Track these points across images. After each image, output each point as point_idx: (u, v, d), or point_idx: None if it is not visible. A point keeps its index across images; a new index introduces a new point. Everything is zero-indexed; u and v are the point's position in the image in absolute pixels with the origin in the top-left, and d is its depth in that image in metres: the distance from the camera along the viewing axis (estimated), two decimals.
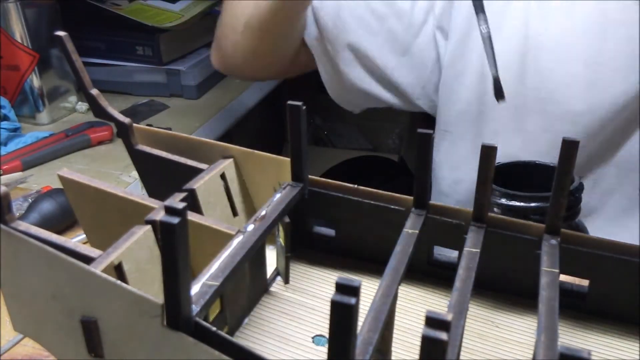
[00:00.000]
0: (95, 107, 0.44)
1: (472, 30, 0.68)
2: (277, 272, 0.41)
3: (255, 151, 0.43)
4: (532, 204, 0.43)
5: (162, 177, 0.45)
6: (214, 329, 0.27)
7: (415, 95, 0.76)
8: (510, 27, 0.67)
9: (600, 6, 0.64)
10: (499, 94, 0.53)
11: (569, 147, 0.34)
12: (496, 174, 0.38)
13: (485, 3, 0.67)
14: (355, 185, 0.41)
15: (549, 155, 0.55)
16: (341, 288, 0.22)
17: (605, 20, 0.63)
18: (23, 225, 0.32)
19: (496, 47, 0.66)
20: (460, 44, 0.70)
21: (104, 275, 0.28)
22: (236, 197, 0.44)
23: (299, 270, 0.42)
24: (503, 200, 0.44)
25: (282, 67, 0.83)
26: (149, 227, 0.34)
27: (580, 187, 0.44)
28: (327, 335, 0.35)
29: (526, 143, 0.67)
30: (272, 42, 0.76)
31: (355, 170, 1.50)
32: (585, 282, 0.38)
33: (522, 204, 0.43)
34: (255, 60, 0.79)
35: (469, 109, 0.70)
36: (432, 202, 0.39)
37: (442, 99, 0.73)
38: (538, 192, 0.43)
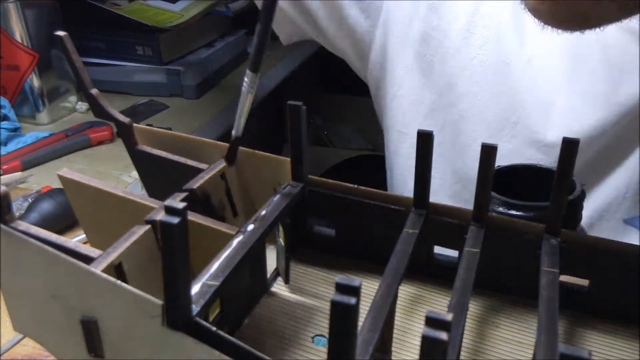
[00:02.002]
0: (95, 107, 0.44)
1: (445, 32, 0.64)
2: (277, 272, 0.41)
3: (255, 151, 0.43)
4: (532, 214, 0.42)
5: (162, 177, 0.45)
6: (214, 329, 0.27)
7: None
8: (482, 41, 0.62)
9: None
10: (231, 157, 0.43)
11: (568, 147, 0.34)
12: (495, 178, 0.37)
13: (454, 14, 0.63)
14: (355, 185, 0.41)
15: None
16: (341, 288, 0.22)
17: (581, 41, 0.57)
18: (23, 225, 0.32)
19: (466, 56, 0.62)
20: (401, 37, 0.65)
21: (104, 275, 0.28)
22: (236, 197, 0.44)
23: (299, 270, 0.42)
24: (502, 209, 0.43)
25: None
26: (149, 227, 0.34)
27: (582, 196, 0.43)
28: (327, 335, 0.35)
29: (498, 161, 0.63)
30: None
31: (355, 169, 1.51)
32: (585, 282, 0.38)
33: (521, 213, 0.43)
34: None
35: (434, 114, 0.66)
36: (432, 202, 0.39)
37: (397, 96, 0.69)
38: (538, 196, 0.43)
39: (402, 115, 0.68)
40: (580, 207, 0.42)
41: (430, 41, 0.65)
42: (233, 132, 0.41)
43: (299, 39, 0.81)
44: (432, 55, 0.65)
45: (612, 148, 0.58)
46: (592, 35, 0.54)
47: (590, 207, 0.62)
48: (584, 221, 0.62)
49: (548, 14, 0.37)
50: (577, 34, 0.55)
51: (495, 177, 0.42)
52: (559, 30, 0.39)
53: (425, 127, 0.63)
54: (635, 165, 0.58)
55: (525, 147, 0.60)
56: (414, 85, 0.67)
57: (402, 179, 0.72)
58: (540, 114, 0.59)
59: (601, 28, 0.38)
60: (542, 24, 0.39)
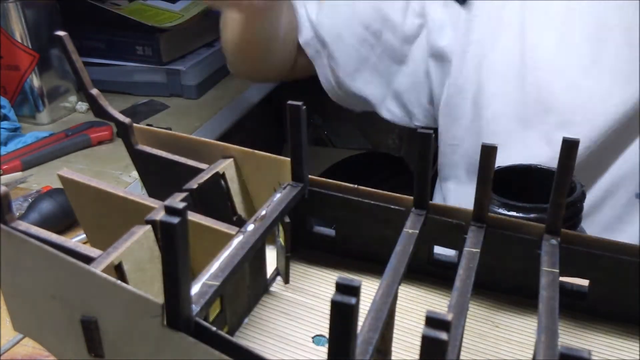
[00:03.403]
0: (95, 107, 0.44)
1: (469, 45, 0.68)
2: (277, 272, 0.41)
3: (255, 151, 0.43)
4: (532, 215, 0.42)
5: (162, 177, 0.45)
6: (214, 329, 0.27)
7: (412, 102, 0.77)
8: (506, 39, 0.66)
9: (597, 11, 0.62)
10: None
11: (569, 147, 0.34)
12: (496, 178, 0.37)
13: (479, 15, 0.67)
14: (355, 185, 0.41)
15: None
16: (341, 288, 0.22)
17: (603, 25, 0.61)
18: (23, 225, 0.32)
19: (494, 60, 0.66)
20: (460, 61, 0.70)
21: (104, 275, 0.28)
22: (236, 197, 0.44)
23: (299, 270, 0.42)
24: (502, 210, 0.43)
25: (282, 72, 0.84)
26: (149, 227, 0.34)
27: (582, 197, 0.43)
28: (327, 335, 0.35)
29: (527, 156, 0.65)
30: (257, 55, 0.79)
31: (355, 167, 1.50)
32: (585, 282, 0.38)
33: (521, 214, 0.43)
34: (251, 69, 0.84)
35: (471, 124, 0.70)
36: (432, 202, 0.39)
37: (444, 113, 0.73)
38: (537, 196, 0.43)
39: (451, 128, 0.73)
40: (580, 208, 0.42)
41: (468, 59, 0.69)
42: None
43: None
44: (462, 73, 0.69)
45: (630, 123, 0.62)
46: (614, 20, 0.60)
47: (603, 182, 0.66)
48: (595, 197, 0.64)
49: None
50: (598, 17, 0.61)
51: (496, 178, 0.42)
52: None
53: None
54: None
55: (556, 130, 0.63)
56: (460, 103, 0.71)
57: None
58: (568, 98, 0.62)
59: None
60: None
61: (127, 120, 0.44)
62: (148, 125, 0.94)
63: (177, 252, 0.25)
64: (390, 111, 0.79)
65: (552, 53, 0.64)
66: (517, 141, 0.67)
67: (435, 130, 0.77)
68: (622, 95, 0.61)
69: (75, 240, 0.53)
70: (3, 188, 0.30)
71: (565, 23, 0.64)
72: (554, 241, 0.36)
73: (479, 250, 0.35)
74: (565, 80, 0.63)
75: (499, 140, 0.67)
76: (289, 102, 0.38)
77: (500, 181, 0.43)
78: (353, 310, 0.22)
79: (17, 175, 0.83)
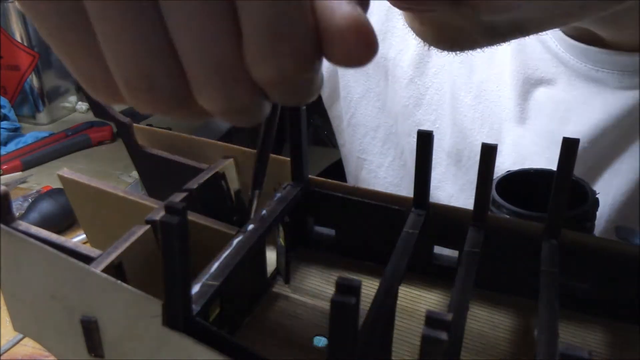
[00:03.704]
0: (95, 107, 0.44)
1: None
2: (277, 272, 0.41)
3: (256, 151, 0.43)
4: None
5: (162, 177, 0.45)
6: (214, 329, 0.27)
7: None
8: (436, 69, 0.60)
9: (521, 60, 0.55)
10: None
11: (569, 147, 0.34)
12: (505, 183, 0.37)
13: (405, 42, 0.59)
14: (356, 185, 0.41)
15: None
16: (341, 288, 0.22)
17: (526, 76, 0.55)
18: (23, 225, 0.32)
19: (427, 87, 0.59)
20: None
21: (104, 275, 0.28)
22: (236, 197, 0.44)
23: (299, 270, 0.42)
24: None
25: None
26: (149, 227, 0.34)
27: (596, 203, 0.42)
28: (327, 335, 0.35)
29: (458, 195, 0.60)
30: None
31: None
32: (585, 282, 0.38)
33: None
34: None
35: (392, 138, 0.64)
36: (432, 201, 0.39)
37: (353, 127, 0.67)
38: (543, 201, 0.42)
39: (359, 142, 0.67)
40: (593, 216, 0.41)
41: (381, 69, 0.63)
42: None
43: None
44: (384, 83, 0.63)
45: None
46: (537, 73, 0.54)
47: None
48: None
49: (430, 38, 0.38)
50: (525, 69, 0.54)
51: (505, 183, 0.41)
52: (443, 51, 0.40)
53: (384, 153, 0.60)
54: None
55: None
56: (368, 112, 0.65)
57: None
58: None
59: (480, 49, 0.39)
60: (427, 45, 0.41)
61: (127, 120, 0.44)
62: (148, 125, 0.94)
63: (177, 252, 0.25)
64: None
65: (475, 97, 0.58)
66: (453, 178, 0.61)
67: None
68: (547, 155, 0.55)
69: (75, 240, 0.53)
70: (3, 188, 0.30)
71: (489, 65, 0.58)
72: (554, 241, 0.36)
73: (479, 250, 0.35)
74: (488, 129, 0.57)
75: (436, 174, 0.60)
76: None
77: (509, 187, 0.42)
78: (353, 310, 0.22)
79: (17, 175, 0.83)
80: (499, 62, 0.57)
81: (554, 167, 0.54)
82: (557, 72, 0.53)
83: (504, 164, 0.56)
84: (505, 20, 0.34)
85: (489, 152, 0.35)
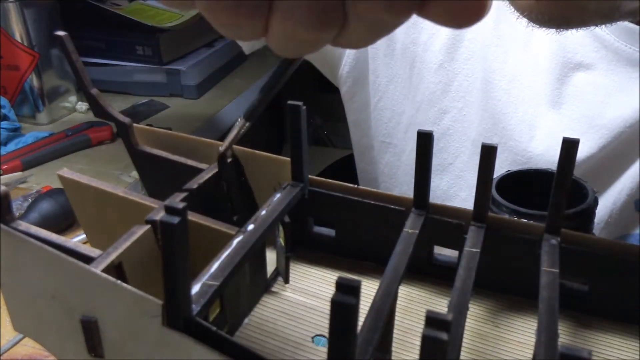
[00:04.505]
0: (95, 107, 0.44)
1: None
2: (277, 272, 0.41)
3: (256, 151, 0.43)
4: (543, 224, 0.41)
5: (162, 177, 0.45)
6: (214, 329, 0.27)
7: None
8: (468, 55, 0.60)
9: (560, 43, 0.55)
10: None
11: (568, 147, 0.34)
12: (506, 183, 0.37)
13: (436, 27, 0.61)
14: (355, 185, 0.41)
15: None
16: (341, 288, 0.22)
17: (564, 60, 0.55)
18: (23, 225, 0.32)
19: (456, 74, 0.59)
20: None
21: (104, 275, 0.28)
22: (236, 197, 0.44)
23: (299, 270, 0.42)
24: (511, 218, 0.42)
25: None
26: (149, 227, 0.34)
27: (595, 203, 0.42)
28: (327, 335, 0.35)
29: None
30: None
31: (355, 167, 1.50)
32: (585, 282, 0.38)
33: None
34: None
35: (412, 128, 0.63)
36: (432, 202, 0.39)
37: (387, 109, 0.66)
38: (542, 200, 0.42)
39: (385, 126, 0.67)
40: (593, 215, 0.41)
41: (409, 54, 0.63)
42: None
43: (261, 45, 0.78)
44: (410, 71, 0.63)
45: (599, 170, 0.56)
46: (577, 57, 0.54)
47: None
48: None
49: (534, 12, 0.37)
50: (564, 53, 0.54)
51: (506, 183, 0.41)
52: (544, 29, 0.39)
53: (406, 140, 0.60)
54: (620, 189, 0.56)
55: (508, 166, 0.57)
56: (395, 96, 0.65)
57: (385, 187, 0.71)
58: (524, 135, 0.57)
59: (588, 28, 0.39)
60: (528, 21, 0.39)
61: (127, 120, 0.44)
62: (148, 125, 0.94)
63: (177, 252, 0.25)
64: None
65: (509, 82, 0.57)
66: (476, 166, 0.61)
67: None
68: (582, 140, 0.56)
69: (75, 240, 0.53)
70: (3, 188, 0.30)
71: (525, 52, 0.57)
72: (553, 241, 0.36)
73: (479, 250, 0.35)
74: (522, 114, 0.57)
75: (449, 158, 0.60)
76: (289, 102, 0.38)
77: (511, 186, 0.42)
78: (353, 310, 0.22)
79: (17, 175, 0.83)
80: (536, 46, 0.57)
81: (589, 154, 0.54)
82: (598, 56, 0.53)
83: (537, 149, 0.56)
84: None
85: (489, 152, 0.35)
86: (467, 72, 0.60)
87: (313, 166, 1.37)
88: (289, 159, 0.41)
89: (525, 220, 0.38)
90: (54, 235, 0.33)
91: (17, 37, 0.94)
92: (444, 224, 0.39)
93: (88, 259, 0.31)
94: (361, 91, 0.69)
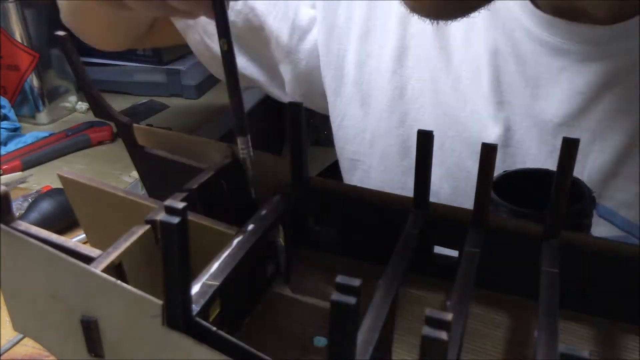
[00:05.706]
0: (96, 107, 0.44)
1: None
2: (277, 272, 0.41)
3: (256, 151, 0.43)
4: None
5: (162, 177, 0.45)
6: (214, 329, 0.27)
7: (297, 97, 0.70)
8: (415, 61, 0.62)
9: (494, 39, 0.57)
10: None
11: (568, 147, 0.34)
12: (504, 182, 0.37)
13: (385, 37, 0.62)
14: (356, 185, 0.41)
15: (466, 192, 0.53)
16: (341, 288, 0.22)
17: (498, 53, 0.57)
18: (23, 225, 0.32)
19: (409, 78, 0.62)
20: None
21: (104, 275, 0.28)
22: (236, 197, 0.44)
23: (299, 270, 0.42)
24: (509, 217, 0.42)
25: (131, 37, 0.74)
26: (149, 227, 0.34)
27: (593, 201, 0.42)
28: (327, 335, 0.35)
29: (445, 178, 0.61)
30: (104, 10, 0.65)
31: None
32: (582, 281, 0.38)
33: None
34: (92, 24, 0.71)
35: (378, 141, 0.65)
36: (432, 201, 0.39)
37: (345, 127, 0.68)
38: (540, 200, 0.42)
39: (350, 144, 0.68)
40: (590, 214, 0.41)
41: (365, 68, 0.65)
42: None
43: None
44: (368, 82, 0.65)
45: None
46: (507, 49, 0.56)
47: None
48: None
49: (423, 10, 0.45)
50: (497, 46, 0.57)
51: (504, 182, 0.41)
52: (433, 21, 0.46)
53: (372, 156, 0.62)
54: None
55: (466, 159, 0.59)
56: (355, 114, 0.67)
57: None
58: (475, 126, 0.59)
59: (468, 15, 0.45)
60: (419, 17, 0.46)
61: (127, 120, 0.44)
62: (148, 125, 0.94)
63: (177, 252, 0.25)
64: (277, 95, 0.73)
65: (454, 80, 0.60)
66: (435, 164, 0.61)
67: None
68: (522, 128, 0.57)
69: (75, 240, 0.53)
70: (3, 188, 0.30)
71: (465, 51, 0.59)
72: (554, 241, 0.36)
73: (479, 250, 0.35)
74: (471, 107, 0.59)
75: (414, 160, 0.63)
76: (289, 101, 0.38)
77: (509, 186, 0.42)
78: (353, 310, 0.22)
79: (17, 175, 0.83)
80: (475, 43, 0.59)
81: (536, 144, 0.56)
82: (527, 48, 0.55)
83: (489, 137, 0.58)
84: None
85: (489, 152, 0.35)
86: (417, 76, 0.62)
87: (313, 166, 1.37)
88: (288, 158, 0.41)
89: (525, 221, 0.38)
90: (54, 235, 0.33)
91: (17, 37, 0.94)
92: (444, 224, 0.39)
93: (88, 259, 0.31)
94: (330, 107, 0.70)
